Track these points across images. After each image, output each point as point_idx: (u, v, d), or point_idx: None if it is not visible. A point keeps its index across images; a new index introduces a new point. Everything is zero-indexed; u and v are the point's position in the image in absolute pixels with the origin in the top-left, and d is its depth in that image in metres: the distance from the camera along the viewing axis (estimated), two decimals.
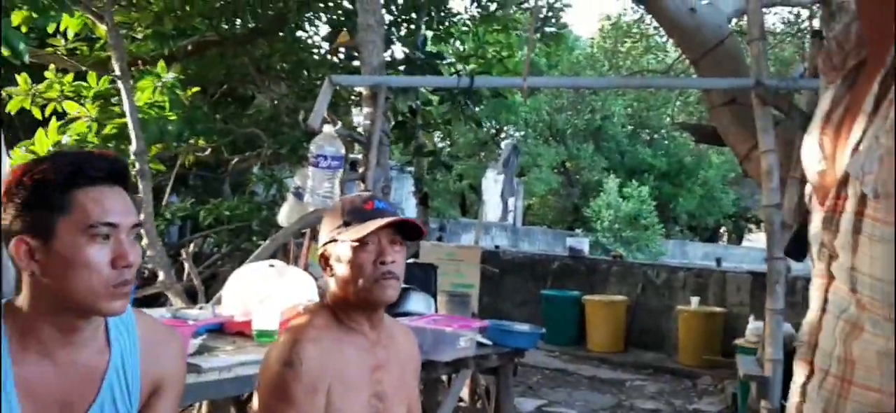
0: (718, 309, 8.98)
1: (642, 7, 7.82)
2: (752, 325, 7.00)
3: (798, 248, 1.33)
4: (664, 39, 17.53)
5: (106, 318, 1.47)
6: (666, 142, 23.18)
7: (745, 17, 4.55)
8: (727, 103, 4.80)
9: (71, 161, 1.38)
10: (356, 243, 1.78)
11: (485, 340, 3.84)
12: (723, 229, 27.11)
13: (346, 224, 1.82)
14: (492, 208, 16.26)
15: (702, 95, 7.80)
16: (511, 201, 14.93)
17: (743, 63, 4.90)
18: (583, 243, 11.93)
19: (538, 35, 7.08)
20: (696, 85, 6.98)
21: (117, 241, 1.37)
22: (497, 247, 13.64)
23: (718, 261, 11.21)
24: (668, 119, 22.22)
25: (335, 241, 1.83)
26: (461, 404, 4.77)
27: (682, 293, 9.57)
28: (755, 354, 4.91)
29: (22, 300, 1.39)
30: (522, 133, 21.11)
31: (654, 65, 18.80)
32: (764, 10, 3.88)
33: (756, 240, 24.47)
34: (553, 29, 7.01)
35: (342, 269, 1.81)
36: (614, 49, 20.83)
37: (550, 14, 6.95)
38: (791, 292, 7.55)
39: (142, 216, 4.59)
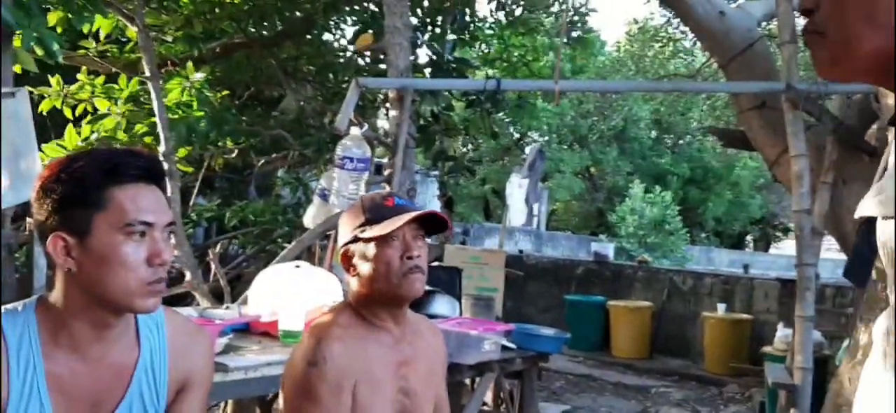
0: (745, 316, 8.88)
1: (670, 11, 7.77)
2: (781, 332, 6.91)
3: (858, 271, 1.27)
4: (692, 43, 17.40)
5: (136, 316, 1.48)
6: (691, 147, 23.00)
7: (776, 21, 4.50)
8: (757, 107, 4.75)
9: (108, 158, 1.38)
10: (381, 239, 1.77)
11: (509, 344, 3.83)
12: (749, 236, 26.83)
13: (368, 222, 1.80)
14: (516, 213, 16.21)
15: (730, 99, 7.73)
16: (535, 206, 14.90)
17: (773, 67, 4.85)
18: (608, 248, 11.89)
19: (563, 38, 7.05)
20: (726, 89, 6.92)
21: (152, 240, 1.37)
22: (521, 251, 13.60)
23: (745, 267, 11.08)
24: (693, 123, 22.03)
25: (358, 239, 1.81)
26: (485, 408, 4.76)
27: (708, 300, 9.48)
28: (784, 362, 4.84)
29: (55, 296, 1.39)
30: (546, 138, 21.05)
31: (681, 69, 18.66)
32: (795, 13, 3.83)
33: (784, 247, 24.19)
34: (579, 33, 6.98)
35: (367, 267, 1.80)
36: (641, 53, 20.69)
37: (577, 18, 6.92)
38: (820, 300, 7.50)
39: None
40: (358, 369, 1.76)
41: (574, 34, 7.09)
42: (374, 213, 1.80)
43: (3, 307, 1.40)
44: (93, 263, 1.34)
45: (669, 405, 7.51)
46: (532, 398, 4.17)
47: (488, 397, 4.86)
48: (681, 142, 23.28)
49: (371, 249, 1.78)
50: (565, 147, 21.76)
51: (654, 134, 22.91)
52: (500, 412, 4.87)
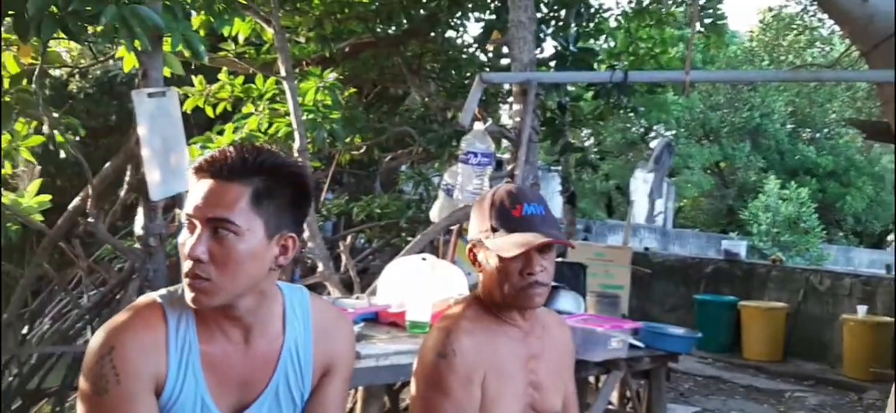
0: (888, 319, 8.33)
1: None
2: None
3: None
4: (829, 31, 16.41)
5: (283, 303, 1.54)
6: (830, 140, 21.69)
7: None
8: None
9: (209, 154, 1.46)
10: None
11: (637, 342, 3.75)
12: (891, 235, 25.04)
13: (494, 230, 1.78)
14: (640, 209, 15.83)
15: (873, 89, 7.24)
16: (660, 202, 14.47)
17: None
18: (739, 246, 11.42)
19: (697, 27, 6.80)
20: (869, 78, 6.49)
21: (193, 232, 1.40)
22: (646, 249, 13.28)
23: (888, 267, 10.39)
24: (832, 115, 20.78)
25: (481, 241, 1.81)
26: (610, 407, 4.68)
27: (847, 301, 8.97)
28: None
29: None
30: (673, 132, 20.41)
31: (818, 59, 17.67)
32: None
33: None
34: (711, 20, 6.72)
35: (489, 272, 1.80)
36: (775, 42, 19.71)
37: (708, 7, 6.66)
38: None
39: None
40: (487, 362, 1.77)
41: (706, 22, 6.83)
42: (501, 221, 1.78)
43: (165, 290, 1.50)
44: None
45: (804, 410, 7.15)
46: (660, 399, 4.07)
47: (614, 396, 4.78)
48: (818, 135, 22.01)
49: (494, 258, 1.77)
50: (694, 141, 21.03)
51: (789, 127, 21.77)
52: (627, 412, 4.77)
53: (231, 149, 1.42)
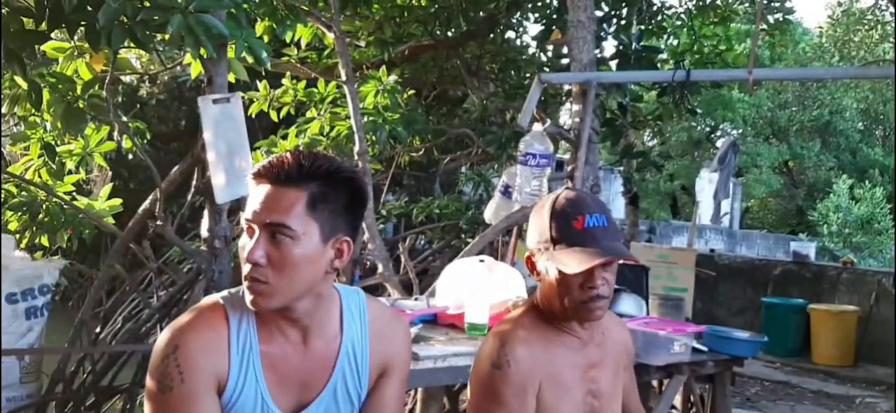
0: None
1: None
2: None
3: None
4: None
5: (340, 305, 1.57)
6: None
7: None
8: None
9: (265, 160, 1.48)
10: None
11: (700, 346, 3.68)
12: None
13: (555, 241, 1.72)
14: (705, 210, 15.49)
15: None
16: (726, 203, 14.13)
17: None
18: (809, 248, 11.05)
19: (763, 24, 6.62)
20: None
21: (250, 237, 1.43)
22: (712, 250, 13.00)
23: None
24: None
25: (541, 251, 1.76)
26: (673, 411, 4.59)
27: None
28: None
29: None
30: (740, 131, 19.93)
31: (890, 54, 17.03)
32: None
33: None
34: (778, 15, 6.53)
35: (548, 285, 1.76)
36: (845, 38, 19.07)
37: (775, 2, 6.48)
38: None
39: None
40: (543, 372, 1.74)
41: (772, 18, 6.65)
42: (563, 232, 1.72)
43: (227, 291, 1.55)
44: None
45: None
46: (725, 404, 3.98)
47: (678, 401, 4.69)
48: (891, 134, 21.20)
49: (554, 270, 1.73)
50: (762, 140, 20.49)
51: (861, 125, 21.02)
52: None
53: (288, 155, 1.45)
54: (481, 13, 7.05)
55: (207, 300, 1.52)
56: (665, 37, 7.17)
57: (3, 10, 3.02)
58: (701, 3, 7.18)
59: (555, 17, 6.11)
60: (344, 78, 5.28)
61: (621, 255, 1.72)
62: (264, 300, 1.42)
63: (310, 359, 1.53)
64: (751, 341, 3.87)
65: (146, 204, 4.79)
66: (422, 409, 3.26)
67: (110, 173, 5.90)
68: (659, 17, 6.93)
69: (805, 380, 8.23)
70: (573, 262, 1.67)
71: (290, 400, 1.52)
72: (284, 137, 5.97)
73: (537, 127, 4.49)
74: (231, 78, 3.56)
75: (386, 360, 1.62)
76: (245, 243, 1.43)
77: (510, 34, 7.66)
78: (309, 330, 1.51)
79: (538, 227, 1.78)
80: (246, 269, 1.42)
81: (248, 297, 1.43)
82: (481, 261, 3.71)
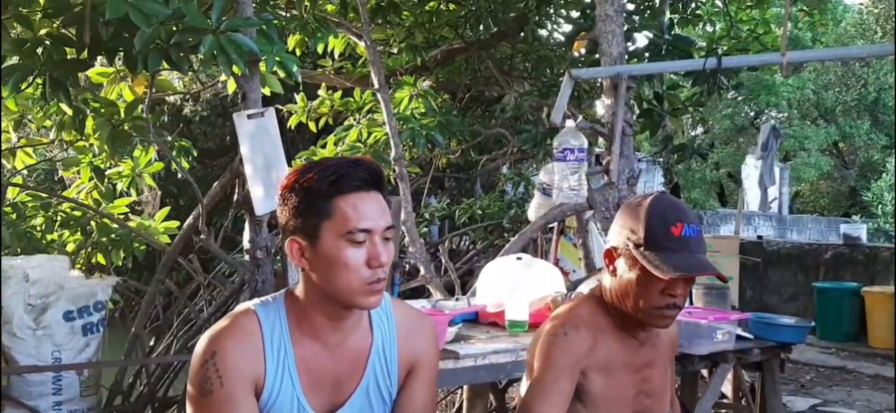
0: None
1: None
2: None
3: None
4: None
5: None
6: None
7: None
8: None
9: (333, 170, 1.50)
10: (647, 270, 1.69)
11: (745, 334, 3.64)
12: None
13: (646, 244, 1.70)
14: (752, 197, 15.23)
15: None
16: (773, 189, 13.89)
17: None
18: (859, 230, 10.78)
19: (797, 4, 6.50)
20: None
21: (372, 244, 1.49)
22: (759, 237, 12.77)
23: None
24: None
25: (628, 249, 1.73)
26: (725, 400, 4.55)
27: None
28: None
29: (299, 290, 1.57)
30: (785, 114, 19.54)
31: None
32: None
33: None
34: None
35: (625, 284, 1.74)
36: (888, 13, 18.55)
37: None
38: None
39: (403, 216, 4.95)
40: (593, 360, 1.76)
41: None
42: (656, 236, 1.69)
43: (258, 299, 1.61)
44: (322, 265, 1.49)
45: None
46: (774, 391, 3.92)
47: (728, 390, 4.64)
48: None
49: (636, 270, 1.71)
50: (809, 122, 20.06)
51: None
52: (741, 405, 4.63)
53: (360, 162, 1.53)
54: (511, 13, 7.07)
55: (241, 307, 1.59)
56: (701, 24, 7.08)
57: (46, 41, 3.15)
58: None
59: (587, 12, 6.10)
60: (376, 86, 5.36)
61: (711, 271, 1.71)
62: (381, 298, 1.54)
63: (342, 360, 1.58)
64: (797, 327, 3.81)
65: (190, 219, 4.93)
66: (468, 407, 3.30)
67: (159, 192, 6.08)
68: (693, 5, 6.85)
69: (861, 364, 8.04)
70: (666, 267, 1.66)
71: (325, 400, 1.57)
72: (324, 146, 6.08)
73: (570, 123, 4.50)
74: (266, 91, 3.64)
75: (414, 358, 1.67)
76: (354, 254, 1.48)
77: (542, 32, 7.66)
78: (346, 329, 1.57)
79: (630, 225, 1.75)
80: (375, 273, 1.49)
81: (373, 299, 1.52)
82: (519, 258, 3.74)
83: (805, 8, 7.01)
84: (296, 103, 6.35)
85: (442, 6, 6.89)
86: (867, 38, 18.09)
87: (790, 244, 11.25)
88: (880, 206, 17.89)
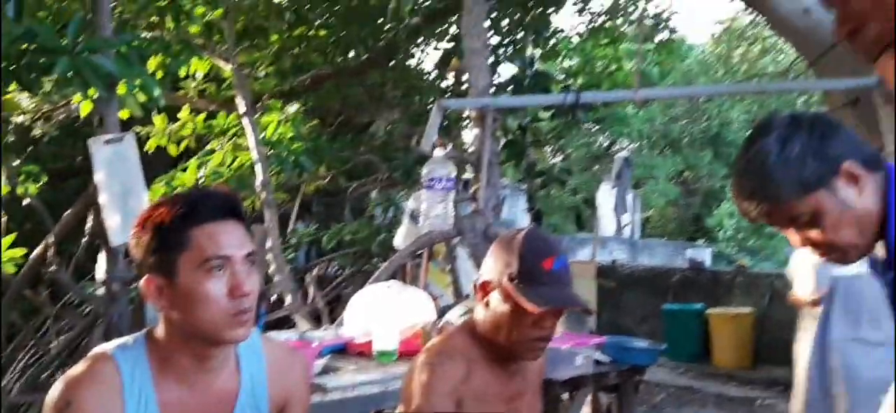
0: None
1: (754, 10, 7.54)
2: None
3: None
4: (783, 40, 16.77)
5: (236, 345, 1.56)
6: None
7: None
8: (849, 104, 4.58)
9: (186, 201, 1.45)
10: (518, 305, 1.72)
11: (602, 357, 3.80)
12: None
13: (519, 278, 1.73)
14: (607, 223, 15.98)
15: (824, 97, 7.44)
16: (626, 216, 14.62)
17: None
18: (703, 254, 11.53)
19: (647, 44, 6.93)
20: (816, 87, 6.66)
21: (232, 273, 1.43)
22: (614, 261, 13.38)
23: None
24: None
25: (502, 282, 1.76)
26: None
27: None
28: None
29: (159, 331, 1.50)
30: (636, 144, 20.69)
31: (771, 67, 18.05)
32: None
33: None
34: (663, 36, 6.87)
35: (498, 316, 1.77)
36: (729, 54, 20.12)
37: (660, 22, 6.81)
38: None
39: (269, 244, 4.84)
40: (469, 391, 1.77)
41: (657, 38, 6.97)
42: (529, 270, 1.73)
43: (116, 342, 1.53)
44: (182, 301, 1.43)
45: None
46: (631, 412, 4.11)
47: None
48: None
49: (508, 306, 1.74)
50: (657, 153, 21.31)
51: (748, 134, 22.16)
52: None
53: (214, 191, 1.49)
54: (381, 42, 7.12)
55: (97, 352, 1.49)
56: (559, 59, 7.41)
57: None
58: (592, 26, 7.46)
59: (453, 44, 6.24)
60: (242, 110, 5.24)
61: (578, 304, 1.78)
62: (248, 330, 1.46)
63: (209, 403, 1.52)
64: (649, 350, 4.01)
65: (39, 249, 4.61)
66: None
67: (4, 217, 5.65)
68: (553, 41, 7.17)
69: (707, 383, 8.52)
70: (539, 300, 1.69)
71: None
72: (184, 170, 5.86)
73: (439, 152, 4.58)
74: (125, 114, 3.48)
75: (285, 397, 1.63)
76: (214, 284, 1.41)
77: (412, 62, 7.76)
78: (213, 370, 1.51)
79: (503, 258, 1.78)
80: (239, 303, 1.42)
81: (240, 332, 1.44)
82: (389, 286, 3.74)
83: (653, 48, 7.47)
84: (153, 125, 6.08)
85: (311, 31, 6.83)
86: (709, 76, 19.49)
87: (642, 268, 11.84)
88: (722, 231, 19.21)
